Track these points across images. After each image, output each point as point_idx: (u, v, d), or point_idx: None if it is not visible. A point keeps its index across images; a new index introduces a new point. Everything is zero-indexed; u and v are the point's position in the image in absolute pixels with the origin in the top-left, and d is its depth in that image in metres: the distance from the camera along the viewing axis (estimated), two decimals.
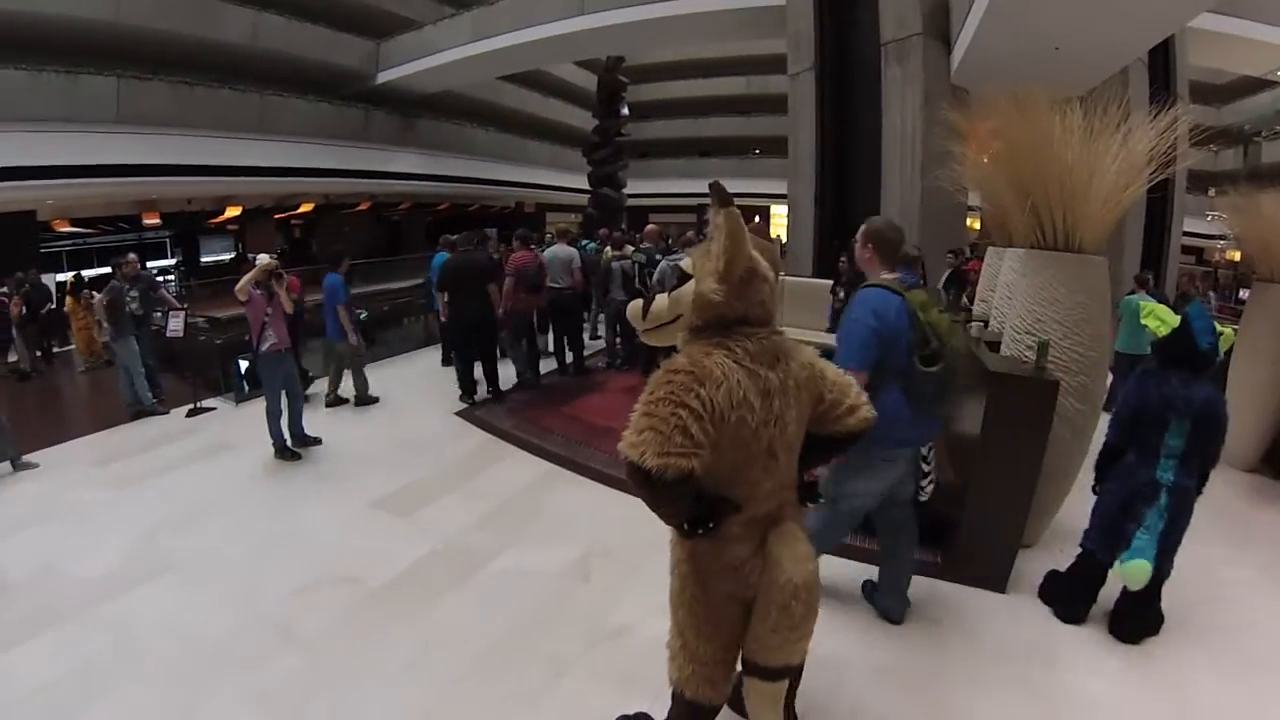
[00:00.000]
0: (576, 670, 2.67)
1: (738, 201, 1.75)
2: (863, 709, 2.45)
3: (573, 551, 3.56)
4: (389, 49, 19.06)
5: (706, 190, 1.76)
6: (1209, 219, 13.25)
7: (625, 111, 20.62)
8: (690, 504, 1.74)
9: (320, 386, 6.46)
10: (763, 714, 1.95)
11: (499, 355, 6.47)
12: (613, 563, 3.46)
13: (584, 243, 8.82)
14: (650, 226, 7.46)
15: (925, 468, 2.95)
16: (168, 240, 17.83)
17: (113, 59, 13.83)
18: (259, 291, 4.62)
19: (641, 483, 1.64)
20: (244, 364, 6.19)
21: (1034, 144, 3.19)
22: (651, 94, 28.78)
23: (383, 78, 19.19)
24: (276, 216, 19.54)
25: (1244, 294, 6.65)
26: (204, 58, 15.54)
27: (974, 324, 4.73)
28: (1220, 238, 13.28)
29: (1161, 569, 2.66)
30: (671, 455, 1.60)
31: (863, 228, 2.69)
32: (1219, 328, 2.67)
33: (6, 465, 4.62)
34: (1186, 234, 13.75)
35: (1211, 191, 11.28)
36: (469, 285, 5.85)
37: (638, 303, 1.96)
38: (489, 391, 6.15)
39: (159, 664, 2.66)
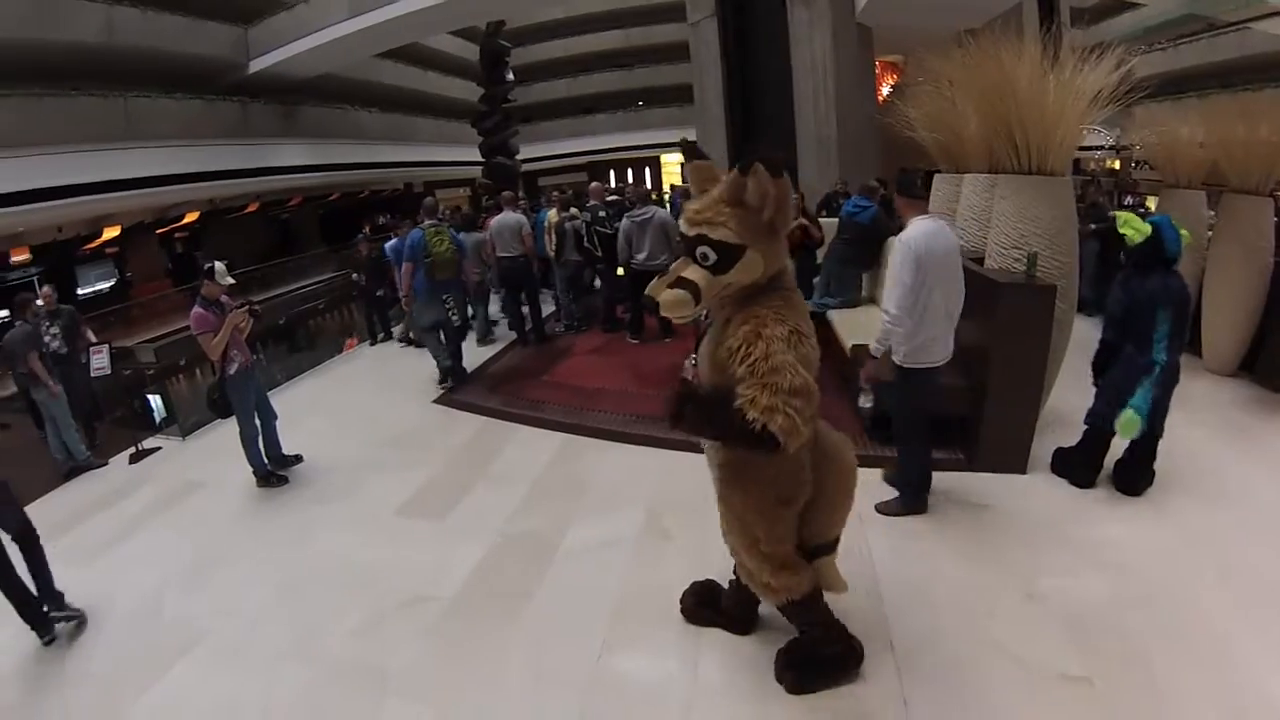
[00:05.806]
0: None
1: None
2: (938, 578, 2.68)
3: (637, 515, 3.23)
4: (259, 34, 16.70)
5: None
6: (1085, 132, 13.73)
7: (510, 77, 19.28)
8: None
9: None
10: (836, 579, 2.12)
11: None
12: (684, 516, 3.14)
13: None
14: (593, 185, 7.04)
15: (449, 304, 5.15)
16: (35, 278, 15.04)
17: None
18: (214, 316, 3.84)
19: (767, 447, 1.66)
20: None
21: (1006, 81, 3.40)
22: (530, 56, 27.11)
23: (256, 66, 16.85)
24: (159, 232, 17.04)
25: (1129, 200, 6.91)
26: (55, 64, 12.92)
27: None
28: (1096, 148, 13.86)
29: (1155, 429, 3.03)
30: (808, 424, 1.70)
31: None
32: (1179, 230, 2.99)
33: None
34: None
35: None
36: None
37: (672, 293, 1.75)
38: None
39: None
